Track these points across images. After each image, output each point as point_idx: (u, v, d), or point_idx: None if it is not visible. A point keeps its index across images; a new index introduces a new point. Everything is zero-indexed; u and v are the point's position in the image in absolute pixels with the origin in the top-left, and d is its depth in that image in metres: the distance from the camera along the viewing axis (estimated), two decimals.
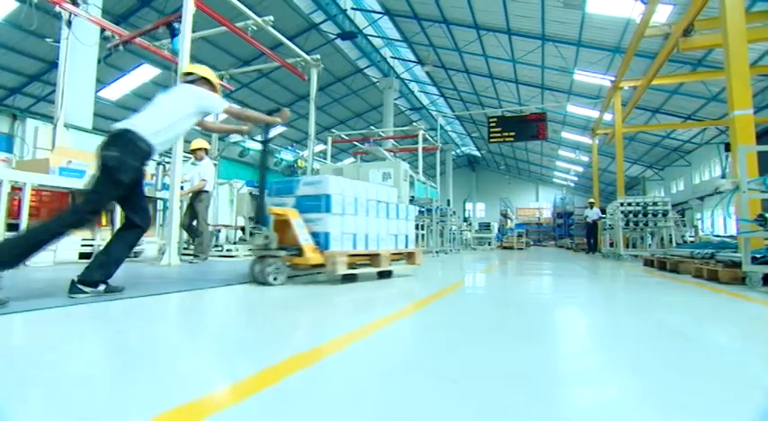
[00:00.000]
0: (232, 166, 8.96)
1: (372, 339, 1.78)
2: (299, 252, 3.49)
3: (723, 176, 20.06)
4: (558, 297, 3.44)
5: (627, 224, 8.28)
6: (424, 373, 1.33)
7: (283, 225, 3.58)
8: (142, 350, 1.65)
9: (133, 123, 2.75)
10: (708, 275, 4.11)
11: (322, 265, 3.57)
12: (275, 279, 3.43)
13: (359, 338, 1.78)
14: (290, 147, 10.30)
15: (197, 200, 6.07)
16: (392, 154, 14.93)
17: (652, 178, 30.10)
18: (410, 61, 24.05)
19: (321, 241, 3.63)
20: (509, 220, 40.03)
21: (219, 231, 8.78)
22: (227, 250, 7.50)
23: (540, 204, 44.83)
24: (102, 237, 5.44)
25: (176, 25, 6.49)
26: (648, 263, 6.36)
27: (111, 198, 2.77)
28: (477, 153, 42.59)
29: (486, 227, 36.62)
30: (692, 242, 11.61)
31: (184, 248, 6.52)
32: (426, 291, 3.50)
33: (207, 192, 6.14)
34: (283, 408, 1.05)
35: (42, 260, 4.74)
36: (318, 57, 8.33)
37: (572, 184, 41.48)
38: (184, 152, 6.04)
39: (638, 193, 33.98)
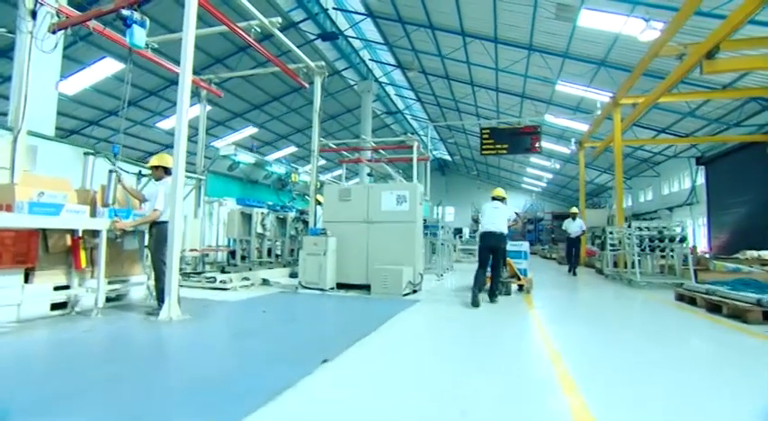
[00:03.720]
0: (220, 181, 7.95)
1: None
2: (518, 278, 7.30)
3: (693, 189, 20.71)
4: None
5: (642, 249, 8.01)
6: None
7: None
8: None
9: (500, 229, 6.24)
10: None
11: (521, 284, 7.36)
12: (510, 291, 7.00)
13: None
14: (282, 161, 9.38)
15: (150, 233, 4.77)
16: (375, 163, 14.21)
17: None
18: (390, 65, 23.40)
19: (522, 273, 7.46)
20: (480, 225, 40.26)
21: (207, 256, 7.75)
22: (221, 281, 6.53)
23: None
24: (80, 279, 4.41)
25: (127, 13, 4.69)
26: (688, 300, 5.99)
27: None
28: (449, 157, 42.65)
29: (458, 232, 36.76)
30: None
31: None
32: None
33: (164, 223, 4.66)
34: None
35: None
36: (323, 64, 7.50)
37: (540, 190, 42.36)
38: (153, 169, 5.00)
39: (605, 201, 35.00)
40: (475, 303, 5.61)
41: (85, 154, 6.45)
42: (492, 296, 6.18)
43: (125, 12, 4.56)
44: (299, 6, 16.94)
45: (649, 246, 7.97)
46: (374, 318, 4.45)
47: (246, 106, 23.24)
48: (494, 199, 6.65)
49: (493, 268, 6.26)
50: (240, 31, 5.96)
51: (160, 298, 4.46)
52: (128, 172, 7.99)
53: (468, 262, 17.72)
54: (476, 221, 39.36)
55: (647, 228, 8.26)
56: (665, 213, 23.63)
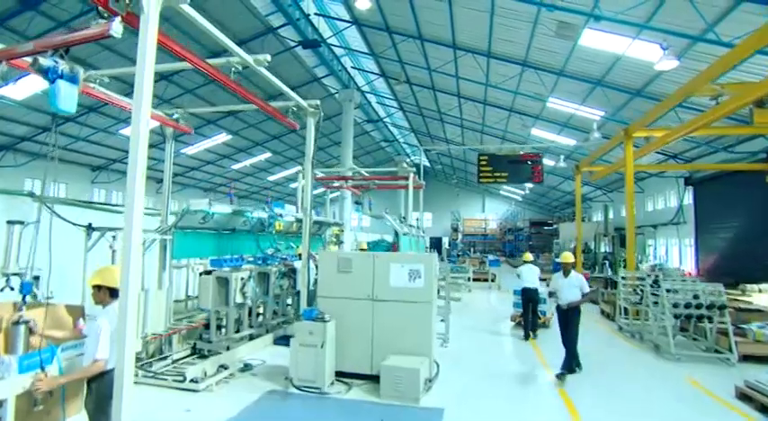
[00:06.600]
0: (189, 238, 6.56)
1: None
2: (539, 317, 9.52)
3: (680, 208, 20.42)
4: None
5: (677, 317, 7.15)
6: None
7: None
8: None
9: (535, 285, 9.22)
10: None
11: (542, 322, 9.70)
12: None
13: None
14: (265, 207, 8.06)
15: (89, 388, 3.28)
16: (367, 191, 13.03)
17: (598, 199, 30.94)
18: (373, 73, 22.16)
19: (542, 313, 9.69)
20: (459, 234, 39.77)
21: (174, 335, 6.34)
22: (191, 380, 5.19)
23: (486, 215, 45.12)
24: None
25: (48, 63, 2.98)
26: (760, 406, 5.09)
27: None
28: (428, 163, 41.84)
29: (437, 241, 36.02)
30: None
31: None
32: None
33: (109, 372, 3.13)
34: None
35: None
36: (318, 103, 6.25)
37: (519, 198, 42.14)
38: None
39: (585, 212, 34.89)
40: (526, 337, 8.68)
41: (9, 223, 4.98)
42: (533, 331, 8.86)
43: (44, 62, 2.86)
44: (278, 11, 15.45)
45: (686, 316, 7.10)
46: None
47: (219, 113, 21.55)
48: (525, 262, 9.83)
49: (532, 312, 8.91)
50: (213, 71, 4.62)
51: None
52: (74, 224, 6.52)
53: (454, 290, 16.75)
54: (455, 230, 39.12)
55: (676, 291, 7.40)
56: (649, 230, 23.44)
